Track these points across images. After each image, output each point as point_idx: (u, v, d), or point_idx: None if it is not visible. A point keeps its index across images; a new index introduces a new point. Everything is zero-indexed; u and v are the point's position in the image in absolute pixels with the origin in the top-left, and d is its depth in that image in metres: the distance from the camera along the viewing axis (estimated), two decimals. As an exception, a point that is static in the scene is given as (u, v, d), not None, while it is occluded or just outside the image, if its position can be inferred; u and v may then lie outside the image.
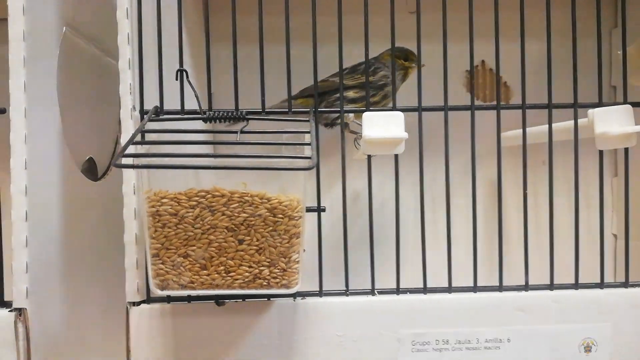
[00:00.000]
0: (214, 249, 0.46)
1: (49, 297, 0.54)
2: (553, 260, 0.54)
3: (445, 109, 0.54)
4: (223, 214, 0.46)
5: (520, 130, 0.58)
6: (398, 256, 0.54)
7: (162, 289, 0.46)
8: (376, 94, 0.66)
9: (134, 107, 0.53)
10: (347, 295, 0.54)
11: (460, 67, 0.77)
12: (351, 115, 0.65)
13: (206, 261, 0.46)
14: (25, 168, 0.51)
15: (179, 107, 0.54)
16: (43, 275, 0.53)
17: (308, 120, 0.53)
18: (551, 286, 0.54)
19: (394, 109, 0.54)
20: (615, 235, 0.76)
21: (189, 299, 0.52)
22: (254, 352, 0.52)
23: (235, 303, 0.52)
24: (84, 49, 0.65)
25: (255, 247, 0.47)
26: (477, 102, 0.71)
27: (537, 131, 0.59)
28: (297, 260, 0.47)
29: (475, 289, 0.54)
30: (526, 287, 0.54)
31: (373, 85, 0.65)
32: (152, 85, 0.55)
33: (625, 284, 0.54)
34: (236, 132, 0.52)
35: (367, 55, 0.55)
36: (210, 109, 0.54)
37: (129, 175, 0.52)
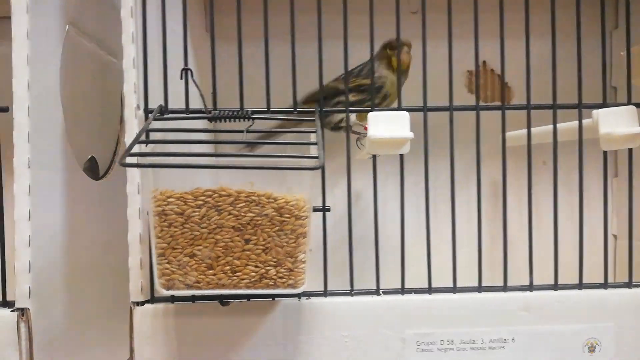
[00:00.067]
0: (220, 248, 0.46)
1: (51, 297, 0.54)
2: (557, 260, 0.54)
3: (451, 109, 0.54)
4: (229, 214, 0.46)
5: (521, 131, 0.58)
6: (403, 256, 0.54)
7: (168, 288, 0.46)
8: (376, 97, 0.66)
9: (138, 106, 0.53)
10: (352, 295, 0.53)
11: (461, 68, 0.77)
12: (353, 117, 0.65)
13: (212, 261, 0.46)
14: (29, 167, 0.51)
15: (180, 107, 0.54)
16: (45, 275, 0.53)
17: (314, 120, 0.53)
18: (555, 286, 0.54)
19: (399, 108, 0.54)
20: (615, 236, 0.77)
21: (193, 299, 0.52)
22: (258, 352, 0.52)
23: (239, 303, 0.52)
24: (86, 48, 0.65)
25: (261, 247, 0.46)
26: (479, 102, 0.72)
27: (538, 132, 0.59)
28: (303, 260, 0.47)
29: (479, 289, 0.54)
30: (530, 287, 0.54)
31: (370, 87, 0.65)
32: (154, 84, 0.54)
33: (629, 285, 0.54)
34: (241, 132, 0.52)
35: (372, 55, 0.55)
36: (214, 108, 0.54)
37: (133, 175, 0.52)
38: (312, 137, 0.52)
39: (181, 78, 0.54)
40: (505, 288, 0.54)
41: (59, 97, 0.58)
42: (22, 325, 0.49)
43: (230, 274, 0.46)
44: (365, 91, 0.65)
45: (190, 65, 0.54)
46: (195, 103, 0.55)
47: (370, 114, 0.54)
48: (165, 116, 0.52)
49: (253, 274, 0.46)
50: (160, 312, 0.52)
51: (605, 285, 0.54)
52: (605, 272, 0.54)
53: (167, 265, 0.46)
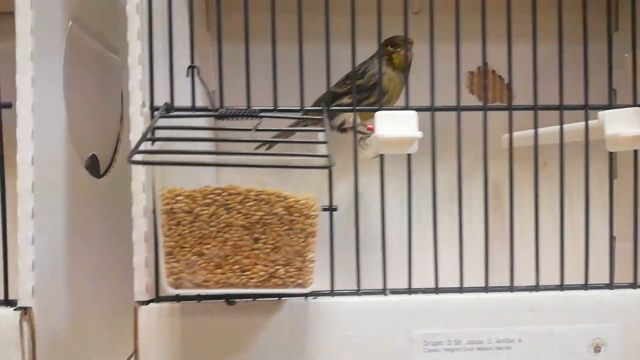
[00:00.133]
0: (229, 247, 0.46)
1: (53, 295, 0.53)
2: (563, 260, 0.54)
3: (458, 109, 0.54)
4: (239, 212, 0.46)
5: (524, 132, 0.58)
6: (410, 256, 0.54)
7: (177, 287, 0.46)
8: (371, 95, 0.66)
9: (143, 104, 0.52)
10: (359, 295, 0.53)
11: (462, 69, 0.77)
12: (352, 119, 0.65)
13: (221, 260, 0.46)
14: (32, 164, 0.50)
15: (182, 104, 0.53)
16: (48, 273, 0.52)
17: (322, 119, 0.53)
18: (561, 287, 0.54)
19: (406, 108, 0.54)
20: (614, 238, 0.77)
21: (199, 298, 0.51)
22: (264, 352, 0.51)
23: (245, 302, 0.51)
24: (88, 44, 0.64)
25: (270, 246, 0.46)
26: (480, 103, 0.72)
27: (541, 133, 0.60)
28: (312, 259, 0.47)
29: (486, 289, 0.54)
30: (537, 287, 0.54)
31: (363, 87, 0.65)
32: (158, 81, 0.54)
33: (634, 285, 0.55)
34: (246, 131, 0.52)
35: (380, 54, 0.55)
36: (221, 106, 0.54)
37: (139, 173, 0.51)
38: (320, 136, 0.52)
39: (187, 75, 0.53)
40: (511, 288, 0.54)
41: (62, 94, 0.57)
42: (25, 324, 0.48)
43: (239, 273, 0.46)
44: (361, 91, 0.65)
45: (189, 64, 0.54)
46: (198, 101, 0.55)
47: (378, 114, 0.53)
48: (172, 114, 0.52)
49: (262, 273, 0.46)
50: (165, 311, 0.51)
51: (610, 285, 0.54)
52: (611, 272, 0.55)
53: (176, 264, 0.45)
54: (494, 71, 0.79)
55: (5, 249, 0.50)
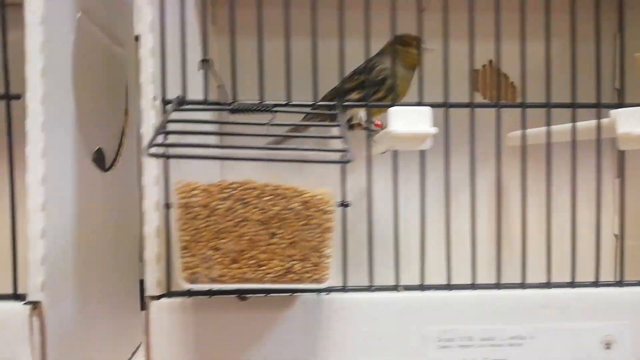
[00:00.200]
0: (245, 242, 0.45)
1: (62, 290, 0.52)
2: (575, 258, 0.54)
3: (472, 105, 0.54)
4: (255, 207, 0.45)
5: (532, 130, 0.58)
6: (423, 253, 0.54)
7: (192, 282, 0.45)
8: (379, 90, 0.65)
9: (155, 97, 0.51)
10: (372, 291, 0.53)
11: (467, 67, 0.77)
12: (361, 115, 0.65)
13: (237, 255, 0.45)
14: (42, 157, 0.49)
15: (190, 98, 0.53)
16: (57, 267, 0.51)
17: (336, 113, 0.52)
18: (572, 284, 0.54)
19: (420, 104, 0.54)
20: (616, 236, 0.78)
21: (211, 293, 0.51)
22: (277, 347, 0.51)
23: (258, 298, 0.51)
24: (96, 36, 0.63)
25: (287, 241, 0.46)
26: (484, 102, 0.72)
27: (551, 131, 0.60)
28: (328, 255, 0.47)
29: (498, 286, 0.54)
30: (548, 284, 0.54)
31: (371, 82, 0.65)
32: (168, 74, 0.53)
33: (643, 283, 0.55)
34: (258, 125, 0.52)
35: (391, 50, 0.55)
36: (234, 100, 0.53)
37: (150, 166, 0.51)
38: (333, 132, 0.52)
39: (200, 69, 0.53)
40: (523, 285, 0.54)
41: (71, 85, 0.56)
42: (35, 319, 0.48)
43: (255, 268, 0.45)
44: (369, 86, 0.65)
45: (197, 57, 0.53)
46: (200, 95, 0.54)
47: (391, 109, 0.53)
48: (185, 107, 0.51)
49: (278, 268, 0.46)
50: (177, 306, 0.51)
51: (620, 283, 0.55)
52: (621, 270, 0.55)
53: (191, 259, 0.45)
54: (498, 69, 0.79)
55: (15, 243, 0.49)
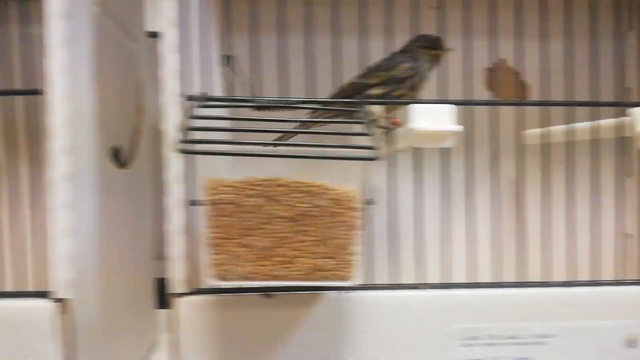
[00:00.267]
0: (274, 239, 0.45)
1: (87, 287, 0.52)
2: (600, 257, 0.55)
3: (498, 103, 0.54)
4: (284, 204, 0.45)
5: (555, 128, 0.59)
6: (444, 252, 0.54)
7: (222, 279, 0.45)
8: (401, 87, 0.65)
9: (178, 93, 0.51)
10: (396, 289, 0.53)
11: (479, 65, 0.77)
12: (378, 110, 0.64)
13: (266, 251, 0.45)
14: (65, 153, 0.49)
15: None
16: (83, 264, 0.51)
17: (360, 110, 0.52)
18: (595, 282, 0.54)
19: (444, 101, 0.54)
20: (629, 235, 0.78)
21: (236, 290, 0.51)
22: (302, 345, 0.51)
23: (282, 296, 0.51)
24: (112, 31, 0.63)
25: (315, 238, 0.45)
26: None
27: (567, 130, 0.60)
28: (356, 252, 0.46)
29: (522, 284, 0.54)
30: (571, 283, 0.54)
31: (395, 79, 0.65)
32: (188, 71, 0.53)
33: (666, 281, 0.55)
34: (278, 121, 0.51)
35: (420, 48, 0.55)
36: (255, 96, 0.53)
37: (174, 163, 0.50)
38: (356, 128, 0.52)
39: (224, 65, 0.52)
40: (546, 284, 0.54)
41: (92, 80, 0.55)
42: (63, 316, 0.47)
43: (284, 265, 0.45)
44: (391, 83, 0.65)
45: (214, 54, 0.53)
46: (218, 92, 0.54)
47: (414, 106, 0.53)
48: (210, 103, 0.51)
49: (307, 265, 0.45)
50: (202, 304, 0.50)
51: (644, 281, 0.55)
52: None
53: (221, 256, 0.45)
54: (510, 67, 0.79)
55: (42, 242, 0.49)
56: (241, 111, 0.53)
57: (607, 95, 0.56)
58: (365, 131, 0.48)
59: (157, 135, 0.53)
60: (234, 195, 0.44)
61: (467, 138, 0.55)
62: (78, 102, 0.52)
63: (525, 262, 0.55)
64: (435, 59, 0.67)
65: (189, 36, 0.54)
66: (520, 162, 0.56)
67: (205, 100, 0.51)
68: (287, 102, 0.52)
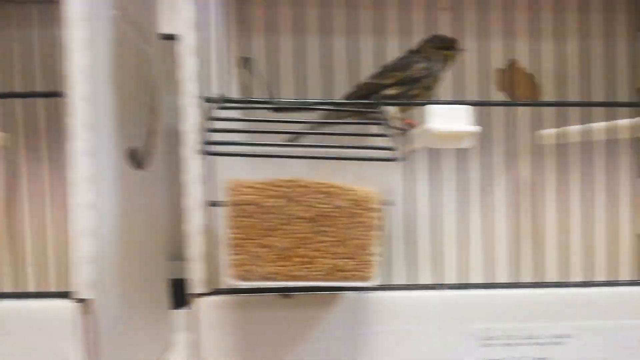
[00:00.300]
0: (294, 239, 0.45)
1: (107, 288, 0.52)
2: (618, 257, 0.55)
3: (518, 104, 0.54)
4: (305, 205, 0.45)
5: (572, 127, 0.59)
6: (462, 251, 0.54)
7: (243, 279, 0.45)
8: (416, 87, 0.65)
9: (197, 95, 0.51)
10: (413, 289, 0.53)
11: (496, 65, 0.77)
12: (392, 110, 0.65)
13: (286, 252, 0.45)
14: (87, 154, 0.49)
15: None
16: (103, 265, 0.51)
17: (377, 111, 0.52)
18: (613, 282, 0.54)
19: (459, 102, 0.54)
20: (638, 235, 0.78)
21: (255, 290, 0.51)
22: (320, 345, 0.51)
23: (301, 296, 0.51)
24: (128, 33, 0.63)
25: (335, 239, 0.46)
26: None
27: (579, 130, 0.60)
28: (375, 253, 0.47)
29: (539, 284, 0.54)
30: (589, 283, 0.54)
31: (409, 79, 0.65)
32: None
33: (683, 281, 0.55)
34: (295, 122, 0.52)
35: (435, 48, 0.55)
36: (273, 98, 0.53)
37: (192, 164, 0.51)
38: (373, 129, 0.52)
39: (242, 67, 0.53)
40: (564, 284, 0.54)
41: (112, 82, 0.56)
42: (85, 316, 0.47)
43: (305, 266, 0.45)
44: (406, 83, 0.65)
45: (225, 56, 0.53)
46: (233, 93, 0.54)
47: (430, 107, 0.53)
48: (230, 105, 0.51)
49: (327, 266, 0.46)
50: (222, 304, 0.51)
51: (661, 281, 0.55)
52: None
53: (242, 256, 0.45)
54: (521, 68, 0.79)
55: (64, 242, 0.49)
56: (258, 112, 0.53)
57: (623, 96, 0.56)
58: (383, 132, 0.49)
59: (173, 137, 0.53)
60: (255, 196, 0.45)
61: (484, 138, 0.55)
62: (98, 104, 0.52)
63: (542, 262, 0.55)
64: (449, 60, 0.67)
65: (206, 38, 0.54)
66: (536, 162, 0.56)
67: (224, 102, 0.52)
68: (304, 103, 0.52)
